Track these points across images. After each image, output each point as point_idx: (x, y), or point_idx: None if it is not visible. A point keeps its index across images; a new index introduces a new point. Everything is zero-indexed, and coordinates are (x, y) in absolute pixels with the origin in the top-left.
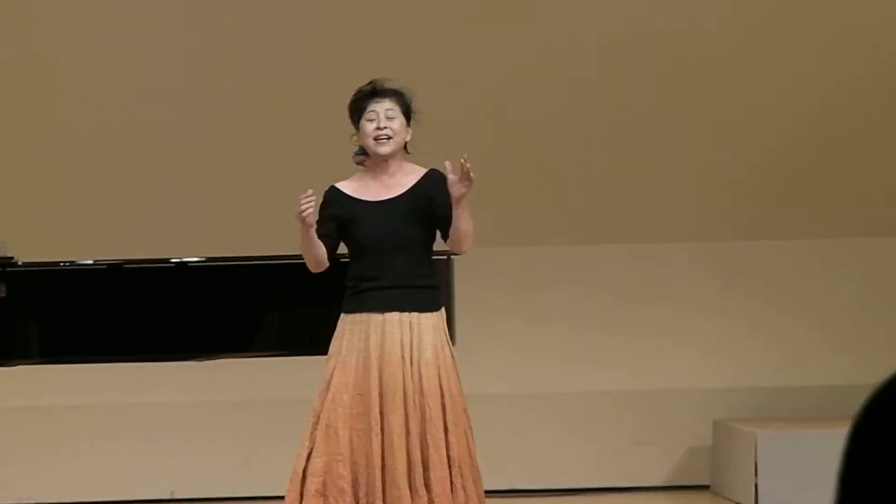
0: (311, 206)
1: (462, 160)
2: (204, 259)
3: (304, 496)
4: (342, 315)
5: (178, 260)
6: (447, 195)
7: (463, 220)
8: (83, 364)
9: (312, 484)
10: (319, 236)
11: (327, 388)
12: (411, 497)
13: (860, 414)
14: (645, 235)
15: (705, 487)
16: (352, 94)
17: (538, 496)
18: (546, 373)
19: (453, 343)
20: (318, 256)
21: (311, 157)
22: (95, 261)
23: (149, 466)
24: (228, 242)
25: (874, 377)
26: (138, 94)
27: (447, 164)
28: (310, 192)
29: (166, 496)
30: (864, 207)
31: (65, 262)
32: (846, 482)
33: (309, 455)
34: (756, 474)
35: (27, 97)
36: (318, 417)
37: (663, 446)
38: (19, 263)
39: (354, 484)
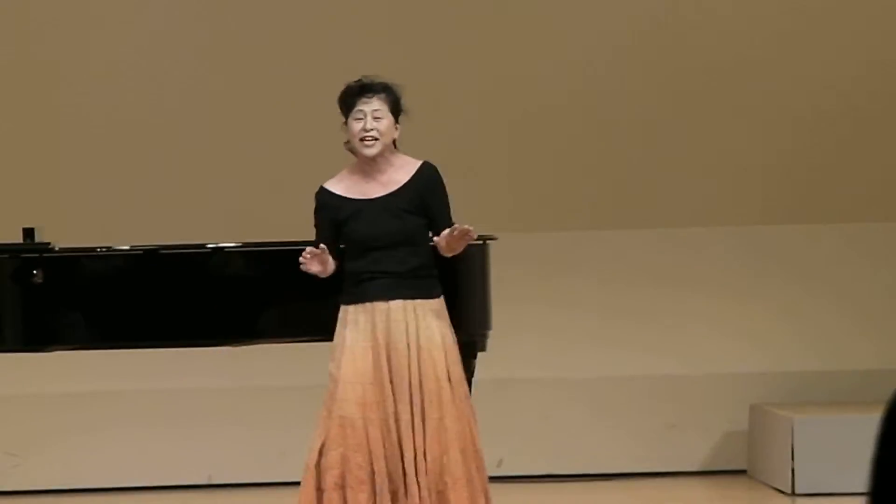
0: (309, 266)
1: (469, 228)
2: (240, 244)
3: (324, 490)
4: (343, 307)
5: (214, 245)
6: (437, 192)
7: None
8: (120, 350)
9: (331, 477)
10: (320, 243)
11: (338, 381)
12: (418, 485)
13: (892, 400)
14: (677, 219)
15: (742, 472)
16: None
17: (572, 481)
18: (578, 357)
19: (489, 328)
20: (330, 272)
21: (334, 144)
22: (132, 246)
23: (186, 452)
24: (264, 228)
25: None
26: (173, 81)
27: (440, 237)
28: (306, 255)
29: (204, 481)
30: None
31: (101, 247)
32: (880, 466)
33: (321, 448)
34: (793, 459)
35: (60, 86)
36: (331, 410)
37: (699, 431)
38: (56, 249)
39: (372, 474)
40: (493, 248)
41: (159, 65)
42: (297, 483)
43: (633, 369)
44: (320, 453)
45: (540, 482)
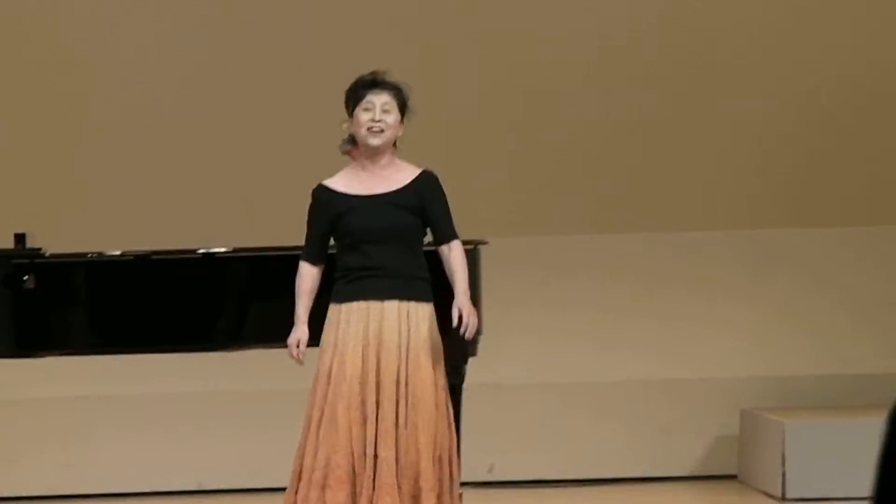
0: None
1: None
2: (231, 250)
3: (311, 489)
4: (333, 305)
5: (205, 251)
6: (438, 198)
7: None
8: (111, 355)
9: (316, 478)
10: (315, 242)
11: (328, 381)
12: (399, 487)
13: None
14: (673, 224)
15: (732, 477)
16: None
17: (564, 486)
18: (572, 361)
19: (481, 332)
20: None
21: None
22: (123, 252)
23: (177, 458)
24: (255, 233)
25: None
26: (163, 87)
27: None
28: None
29: (194, 487)
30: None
31: (92, 253)
32: (885, 468)
33: (304, 453)
34: (784, 464)
35: (51, 90)
36: (322, 411)
37: (690, 435)
38: (47, 255)
39: (351, 474)
40: (487, 252)
41: (154, 70)
42: None
43: (625, 373)
44: (303, 457)
45: (531, 487)
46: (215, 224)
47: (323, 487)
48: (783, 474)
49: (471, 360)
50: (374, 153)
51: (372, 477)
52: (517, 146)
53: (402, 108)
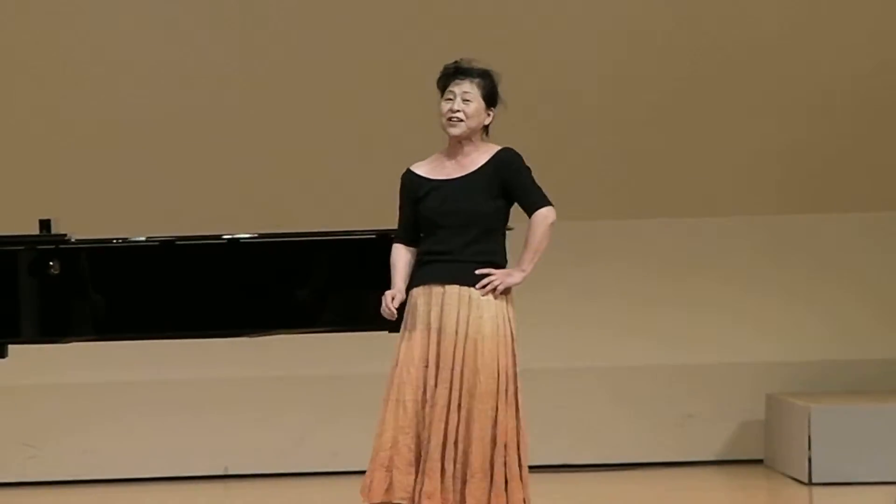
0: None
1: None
2: (256, 235)
3: (376, 469)
4: (410, 290)
5: (230, 236)
6: (518, 171)
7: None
8: (136, 340)
9: (380, 458)
10: (404, 224)
11: (396, 363)
12: (442, 471)
13: None
14: (695, 209)
15: (759, 462)
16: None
17: (589, 471)
18: (596, 347)
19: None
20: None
21: (358, 137)
22: (148, 237)
23: (203, 443)
24: (280, 218)
25: None
26: (187, 72)
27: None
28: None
29: (221, 472)
30: None
31: (117, 238)
32: None
33: (377, 434)
34: (810, 448)
35: (76, 78)
36: (392, 393)
37: (715, 421)
38: (72, 241)
39: (418, 455)
40: (510, 238)
41: (177, 55)
42: (314, 473)
43: (650, 359)
44: (377, 434)
45: (557, 472)
46: (241, 209)
47: (388, 469)
48: (809, 459)
49: None
50: (456, 141)
51: (424, 459)
52: (537, 133)
53: (489, 94)
